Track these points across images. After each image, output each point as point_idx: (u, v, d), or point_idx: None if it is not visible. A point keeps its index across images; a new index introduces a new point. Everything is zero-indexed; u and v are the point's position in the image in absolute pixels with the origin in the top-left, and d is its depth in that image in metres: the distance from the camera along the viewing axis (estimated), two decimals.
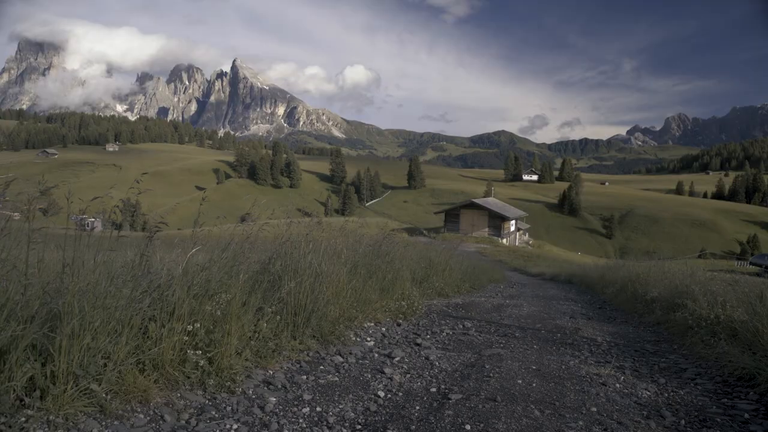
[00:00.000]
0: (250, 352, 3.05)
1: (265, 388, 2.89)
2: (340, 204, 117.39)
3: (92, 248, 2.75)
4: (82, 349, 2.25)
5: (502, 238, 45.69)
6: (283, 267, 3.94)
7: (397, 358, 3.80)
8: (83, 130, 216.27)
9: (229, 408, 2.56)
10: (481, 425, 2.59)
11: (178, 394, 2.55)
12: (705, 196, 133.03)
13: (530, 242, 54.62)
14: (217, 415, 2.45)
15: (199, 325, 2.80)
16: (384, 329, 4.77)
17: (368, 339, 4.32)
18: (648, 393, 3.33)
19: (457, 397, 2.98)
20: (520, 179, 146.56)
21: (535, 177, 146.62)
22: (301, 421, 2.54)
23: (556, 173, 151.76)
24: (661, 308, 6.54)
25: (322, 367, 3.40)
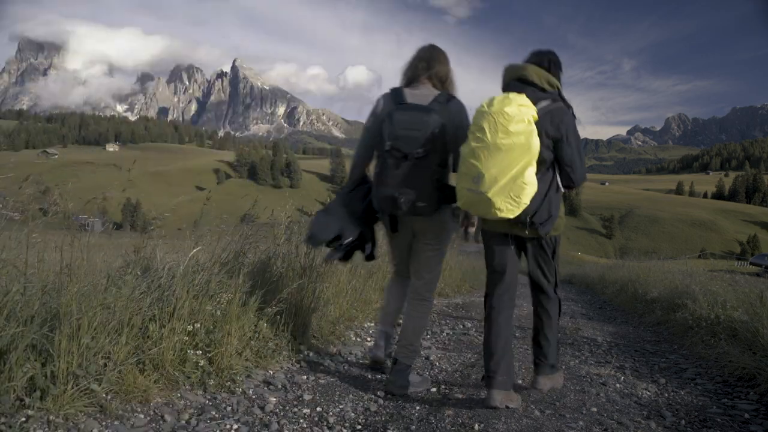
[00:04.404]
0: (250, 352, 3.05)
1: (265, 388, 2.89)
2: None
3: (92, 248, 2.75)
4: (82, 349, 2.25)
5: None
6: (283, 266, 3.94)
7: None
8: (83, 130, 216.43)
9: (229, 408, 2.55)
10: (482, 425, 2.59)
11: (179, 394, 2.55)
12: (705, 196, 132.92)
13: None
14: (217, 415, 2.45)
15: (199, 325, 2.80)
16: None
17: (368, 339, 4.31)
18: (648, 393, 3.33)
19: (457, 397, 2.98)
20: None
21: None
22: (301, 421, 2.54)
23: None
24: (661, 308, 6.53)
25: (322, 367, 3.40)
